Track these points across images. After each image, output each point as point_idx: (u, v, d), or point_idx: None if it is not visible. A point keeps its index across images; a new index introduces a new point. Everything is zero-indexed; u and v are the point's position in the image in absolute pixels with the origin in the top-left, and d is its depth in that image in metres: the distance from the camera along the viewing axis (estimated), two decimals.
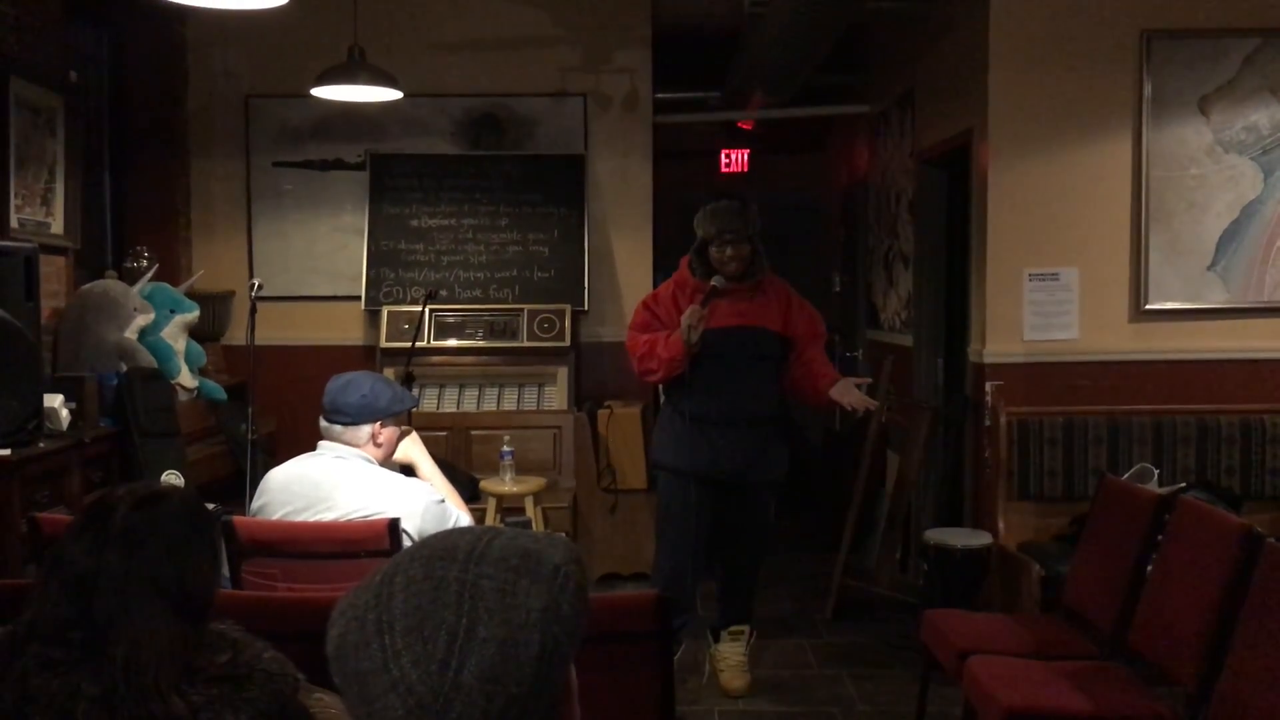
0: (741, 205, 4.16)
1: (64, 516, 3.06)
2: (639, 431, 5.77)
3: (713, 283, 4.08)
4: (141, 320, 4.77)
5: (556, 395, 5.77)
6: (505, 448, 4.90)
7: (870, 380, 4.26)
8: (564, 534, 1.09)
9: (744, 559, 4.39)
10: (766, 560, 4.58)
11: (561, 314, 5.79)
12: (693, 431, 4.14)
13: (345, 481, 2.98)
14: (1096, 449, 4.55)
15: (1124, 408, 4.58)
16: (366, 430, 3.06)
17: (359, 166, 6.11)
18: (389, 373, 5.19)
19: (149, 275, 5.07)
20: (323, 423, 3.09)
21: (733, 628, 4.39)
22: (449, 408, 5.75)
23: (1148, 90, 4.57)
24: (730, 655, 4.36)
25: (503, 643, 0.98)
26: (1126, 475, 4.25)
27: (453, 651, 0.97)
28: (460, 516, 3.08)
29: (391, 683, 0.97)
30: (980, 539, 4.52)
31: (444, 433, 5.45)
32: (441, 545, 1.05)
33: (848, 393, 4.07)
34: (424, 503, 2.98)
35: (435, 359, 5.75)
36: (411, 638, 0.98)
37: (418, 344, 5.22)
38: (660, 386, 4.98)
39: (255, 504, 3.09)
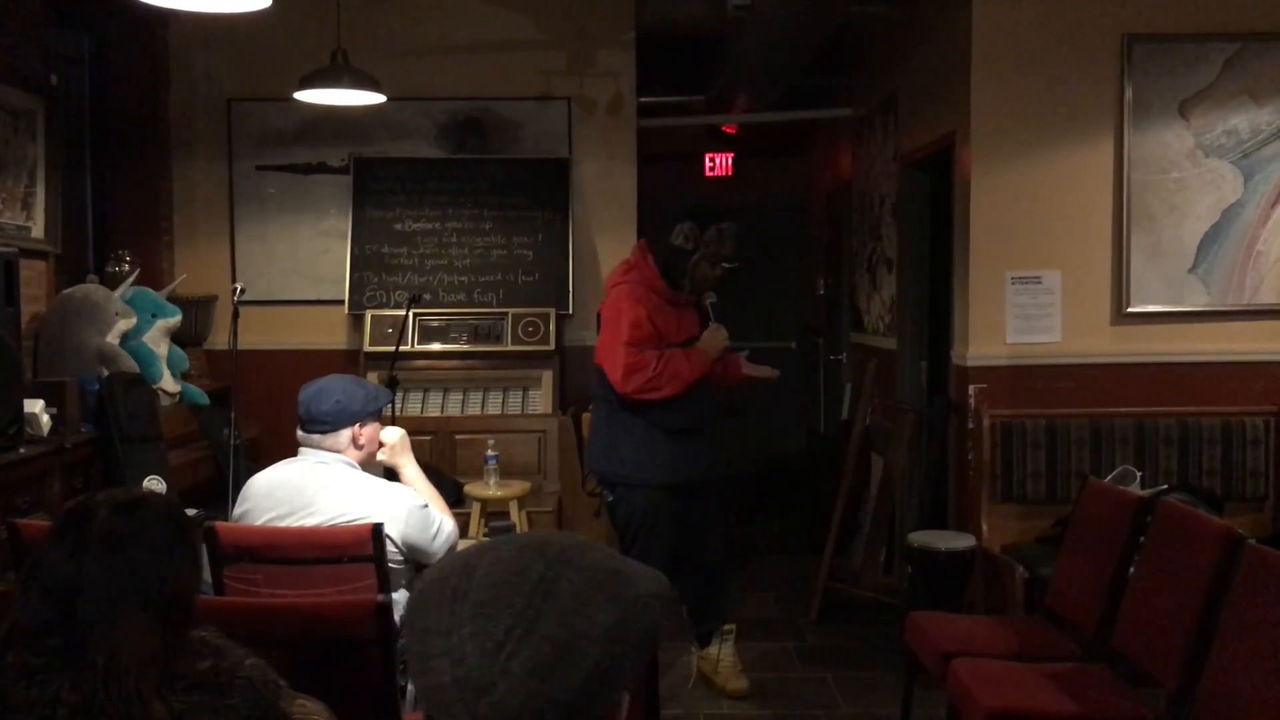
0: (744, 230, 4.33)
1: (44, 523, 3.04)
2: None
3: (709, 300, 4.21)
4: (123, 325, 4.74)
5: (541, 399, 5.77)
6: (489, 452, 4.89)
7: (748, 351, 4.46)
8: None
9: (715, 557, 4.40)
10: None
11: (546, 318, 5.78)
12: (673, 443, 4.15)
13: (328, 487, 2.97)
14: (1079, 451, 4.57)
15: (1106, 410, 4.60)
16: (346, 434, 3.05)
17: (342, 170, 6.09)
18: (372, 377, 5.18)
19: (131, 280, 5.04)
20: (300, 433, 3.07)
21: (724, 628, 4.40)
22: (433, 412, 5.74)
23: (1129, 94, 4.60)
24: (725, 657, 4.37)
25: (559, 645, 0.98)
26: (1109, 477, 4.27)
27: (510, 637, 0.98)
28: (444, 521, 3.07)
29: (448, 647, 0.99)
30: (964, 541, 4.53)
31: (428, 437, 5.44)
32: (540, 539, 1.07)
33: (756, 368, 4.35)
34: (407, 507, 2.97)
35: (419, 363, 5.74)
36: (479, 611, 0.99)
37: (401, 348, 5.20)
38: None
39: (238, 510, 3.08)
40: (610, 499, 4.27)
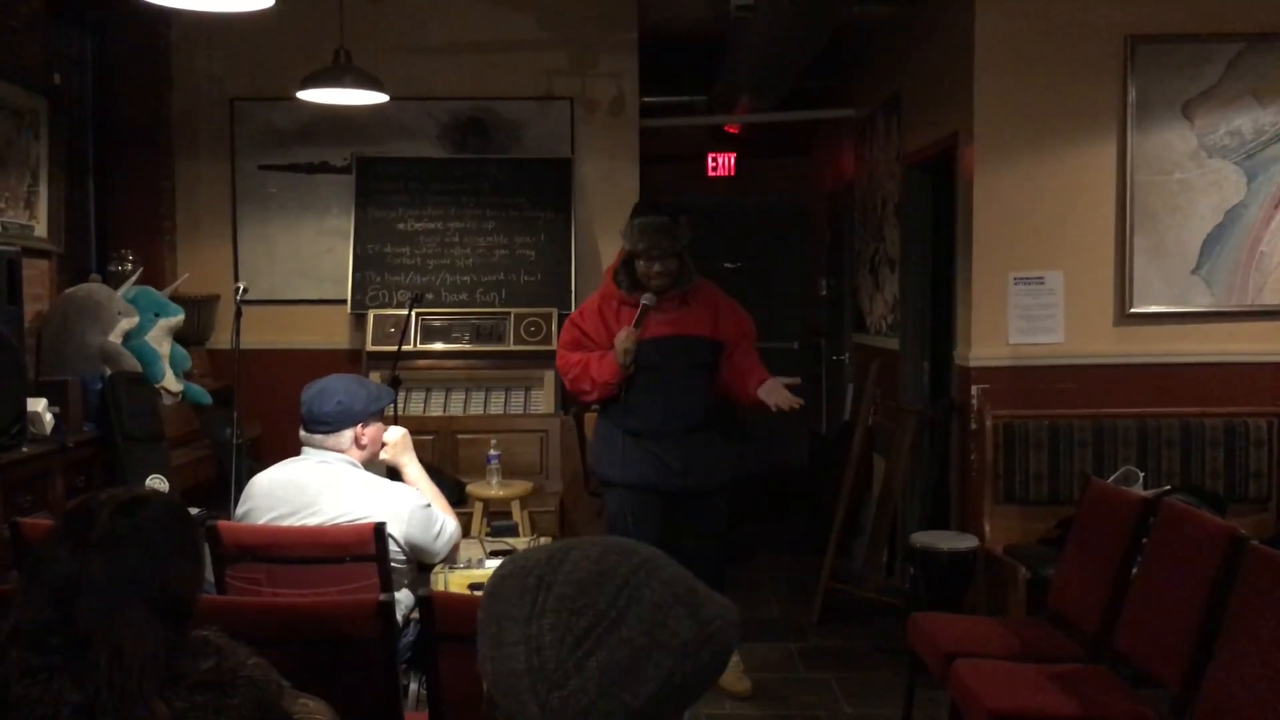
0: (670, 221, 4.10)
1: (47, 521, 3.04)
2: None
3: (644, 301, 4.05)
4: (125, 324, 4.74)
5: (543, 399, 5.77)
6: (492, 451, 4.89)
7: (798, 380, 4.18)
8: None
9: (702, 568, 4.34)
10: (727, 563, 4.52)
11: (548, 317, 5.78)
12: (632, 444, 4.11)
13: (330, 486, 2.97)
14: (1082, 452, 4.56)
15: (1109, 411, 4.60)
16: (349, 434, 3.05)
17: (345, 170, 6.09)
18: (375, 376, 5.18)
19: (133, 279, 5.05)
20: (303, 433, 3.07)
21: None
22: (435, 411, 5.74)
23: (1132, 95, 4.59)
24: None
25: (637, 650, 0.99)
26: (1112, 478, 4.26)
27: (590, 634, 0.99)
28: (446, 521, 3.07)
29: (526, 636, 1.00)
30: (966, 542, 4.52)
31: (430, 436, 5.44)
32: (627, 545, 1.08)
33: (775, 392, 4.02)
34: (410, 507, 2.97)
35: (421, 363, 5.74)
36: (562, 604, 1.01)
37: (404, 348, 5.20)
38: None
39: (240, 509, 3.08)
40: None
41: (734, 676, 4.33)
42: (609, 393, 4.11)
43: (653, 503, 4.15)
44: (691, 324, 4.14)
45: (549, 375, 5.76)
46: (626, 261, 4.16)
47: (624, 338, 4.00)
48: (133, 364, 4.68)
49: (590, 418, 5.73)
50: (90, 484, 4.18)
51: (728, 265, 8.25)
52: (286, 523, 2.94)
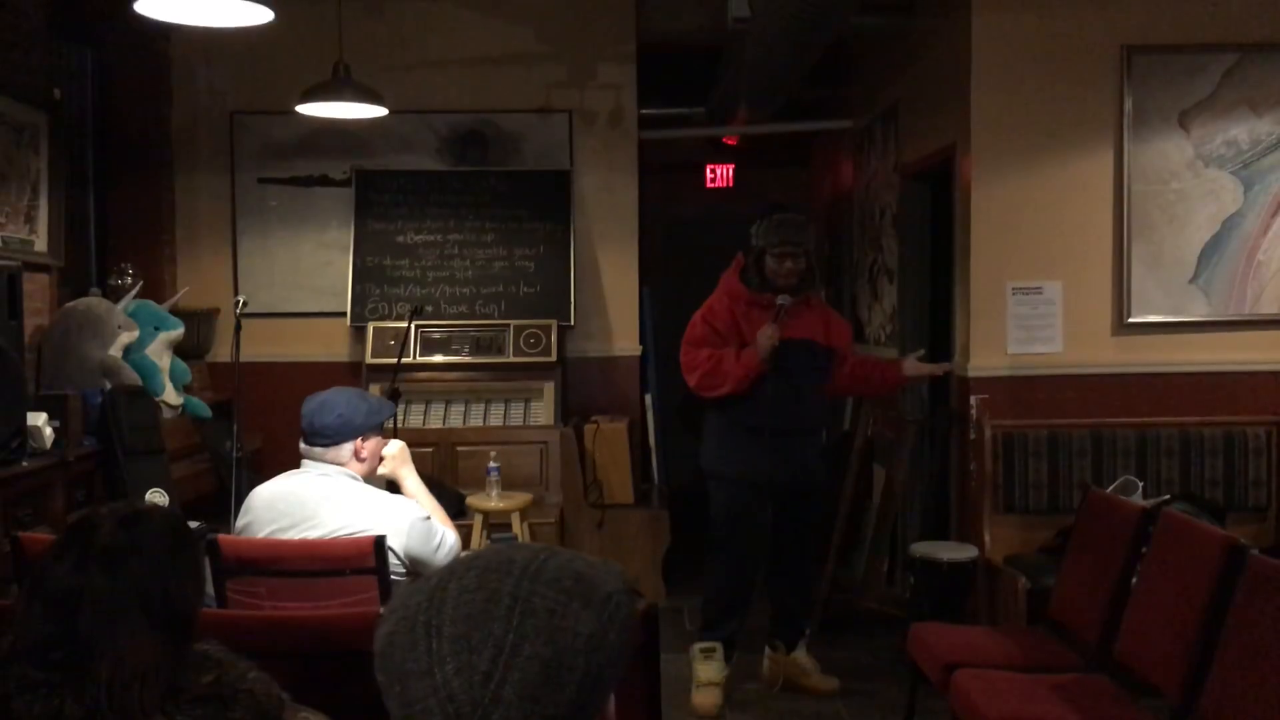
0: (804, 220, 4.33)
1: (47, 536, 3.04)
2: (625, 446, 5.77)
3: (780, 301, 4.17)
4: (126, 338, 4.75)
5: (543, 410, 5.77)
6: (492, 463, 4.89)
7: (923, 350, 4.50)
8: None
9: (803, 564, 4.51)
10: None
11: (548, 329, 5.79)
12: (754, 441, 4.24)
13: (330, 499, 2.97)
14: (1081, 461, 4.56)
15: (1108, 420, 4.60)
16: (348, 448, 3.05)
17: (344, 183, 6.11)
18: (374, 389, 5.18)
19: (133, 292, 5.05)
20: (303, 445, 3.08)
21: (806, 632, 4.54)
22: (435, 424, 5.74)
23: (1128, 105, 4.61)
24: (807, 661, 4.48)
25: (547, 663, 0.98)
26: (1111, 488, 4.26)
27: (497, 665, 0.98)
28: (446, 534, 3.07)
29: (433, 687, 0.98)
30: (966, 552, 4.52)
31: (430, 449, 5.44)
32: (497, 558, 1.06)
33: (919, 368, 4.39)
34: (409, 520, 2.97)
35: (421, 375, 5.74)
36: (458, 645, 0.99)
37: (403, 360, 5.21)
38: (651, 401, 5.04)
39: (240, 522, 3.08)
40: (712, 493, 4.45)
41: (822, 678, 4.43)
42: (743, 388, 4.18)
43: (763, 497, 4.30)
44: (810, 329, 4.30)
45: (549, 387, 5.76)
46: (755, 261, 4.28)
47: (769, 334, 4.10)
48: (133, 378, 4.69)
49: (590, 430, 5.75)
50: (90, 498, 4.18)
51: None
52: (286, 536, 2.94)
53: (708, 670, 4.31)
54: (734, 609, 4.40)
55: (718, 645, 4.36)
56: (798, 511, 4.40)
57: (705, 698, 4.26)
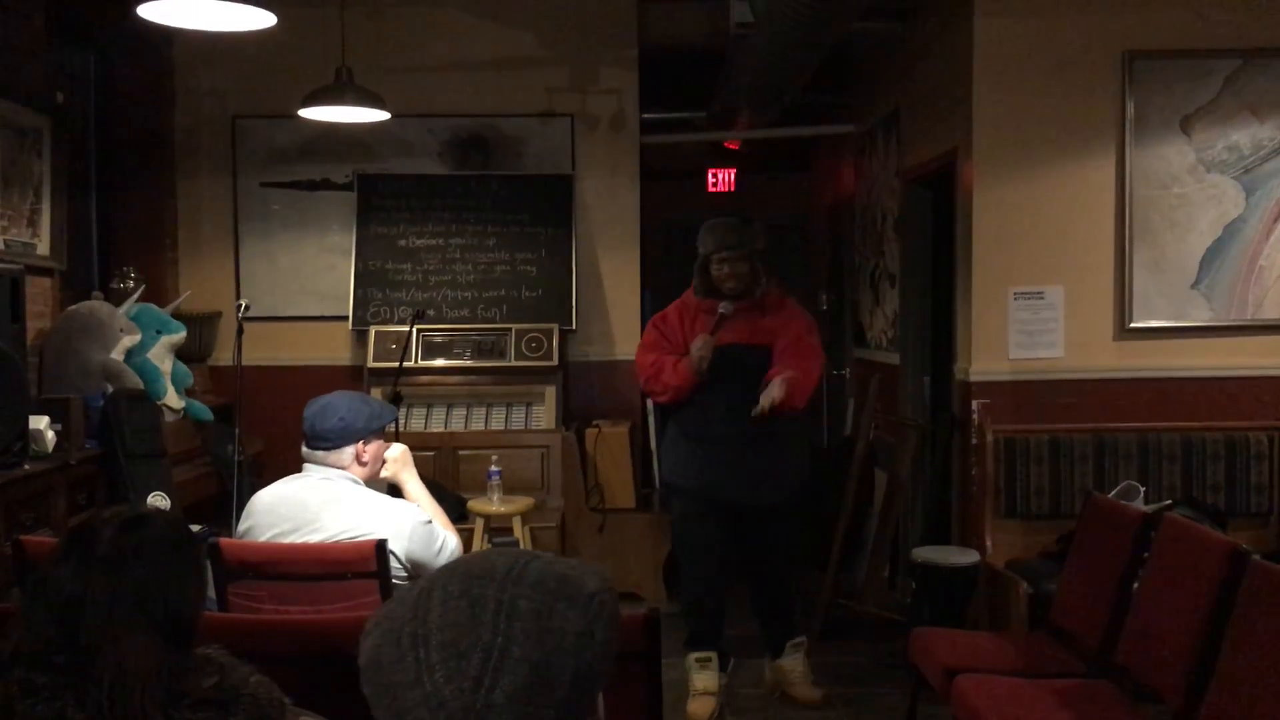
0: (741, 222, 4.23)
1: (49, 539, 3.05)
2: (627, 450, 5.77)
3: (720, 309, 4.08)
4: (128, 341, 4.75)
5: (544, 415, 5.77)
6: (493, 467, 4.89)
7: (791, 373, 4.05)
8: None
9: (771, 582, 4.39)
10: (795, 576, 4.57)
11: (549, 333, 5.79)
12: (702, 451, 4.16)
13: (332, 503, 2.97)
14: (1082, 466, 4.56)
15: (1109, 425, 4.60)
16: (350, 452, 3.05)
17: (346, 187, 6.11)
18: (376, 392, 5.19)
19: (135, 296, 5.06)
20: (305, 449, 3.08)
21: (794, 640, 4.41)
22: (436, 427, 5.74)
23: (1130, 110, 4.61)
24: (794, 668, 4.39)
25: (536, 665, 0.99)
26: (1112, 493, 4.26)
27: (486, 670, 0.98)
28: (448, 538, 3.07)
29: (424, 696, 0.99)
30: (968, 557, 4.52)
31: (431, 453, 5.44)
32: (480, 564, 1.06)
33: (771, 390, 3.92)
34: (411, 524, 2.97)
35: (423, 379, 5.75)
36: (447, 653, 0.99)
37: (405, 364, 5.21)
38: (652, 405, 5.02)
39: (242, 526, 3.08)
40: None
41: (803, 685, 4.36)
42: (682, 396, 4.15)
43: (712, 510, 4.19)
44: (763, 334, 4.14)
45: (550, 391, 5.77)
46: (702, 267, 4.23)
47: (700, 345, 4.04)
48: (135, 381, 4.69)
49: (591, 434, 5.75)
50: (92, 502, 4.18)
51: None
52: (288, 540, 2.94)
53: (703, 679, 4.28)
54: (709, 618, 4.30)
55: (713, 655, 4.31)
56: (765, 531, 4.23)
57: (700, 706, 4.24)
